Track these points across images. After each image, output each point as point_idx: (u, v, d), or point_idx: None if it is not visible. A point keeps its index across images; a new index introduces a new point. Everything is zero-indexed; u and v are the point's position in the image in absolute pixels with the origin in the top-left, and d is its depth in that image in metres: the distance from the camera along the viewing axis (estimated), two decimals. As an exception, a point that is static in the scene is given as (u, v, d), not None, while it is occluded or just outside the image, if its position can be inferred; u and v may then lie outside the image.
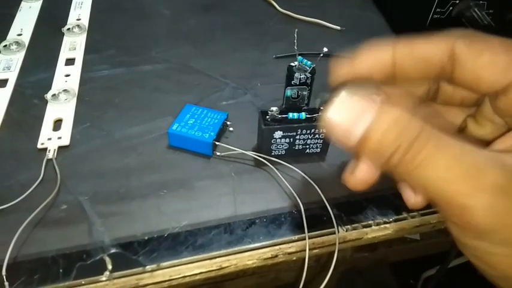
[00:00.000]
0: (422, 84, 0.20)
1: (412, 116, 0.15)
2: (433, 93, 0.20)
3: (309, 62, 0.30)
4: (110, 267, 0.23)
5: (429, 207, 0.28)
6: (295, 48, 0.30)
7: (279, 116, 0.28)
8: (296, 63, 0.30)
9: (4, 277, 0.22)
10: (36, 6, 0.45)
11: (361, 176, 0.17)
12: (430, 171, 0.14)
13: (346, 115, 0.15)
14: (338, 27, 0.44)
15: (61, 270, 0.23)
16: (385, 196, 0.28)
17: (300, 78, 0.30)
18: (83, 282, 0.23)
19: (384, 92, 0.19)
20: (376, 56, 0.18)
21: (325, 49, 0.30)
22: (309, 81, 0.30)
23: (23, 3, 0.45)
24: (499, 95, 0.17)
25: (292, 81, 0.30)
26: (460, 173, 0.14)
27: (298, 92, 0.31)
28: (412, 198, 0.18)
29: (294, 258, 0.26)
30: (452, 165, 0.14)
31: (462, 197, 0.14)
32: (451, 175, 0.14)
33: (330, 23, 0.44)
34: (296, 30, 0.31)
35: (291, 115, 0.28)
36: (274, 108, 0.28)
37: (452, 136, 0.15)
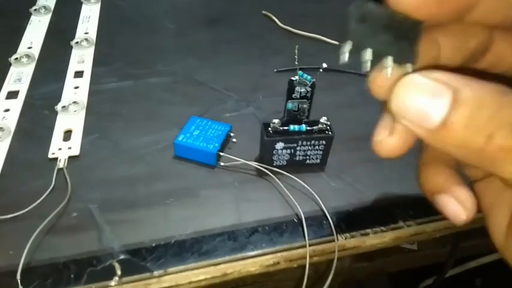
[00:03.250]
0: (481, 31, 0.15)
1: (498, 88, 0.12)
2: (481, 52, 0.16)
3: (309, 77, 0.31)
4: (119, 272, 0.24)
5: (425, 216, 0.29)
6: (296, 63, 0.32)
7: (281, 128, 0.30)
8: (296, 77, 0.32)
9: (19, 281, 0.23)
10: (45, 19, 0.46)
11: (399, 141, 0.14)
12: None
13: (421, 97, 0.12)
14: (337, 43, 0.46)
15: (72, 276, 0.24)
16: (382, 206, 0.29)
17: (300, 92, 0.31)
18: (93, 287, 0.24)
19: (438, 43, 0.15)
20: None
21: (325, 65, 0.31)
22: (309, 95, 0.31)
23: (32, 17, 0.46)
24: None
25: (293, 95, 0.31)
26: None
27: (298, 105, 0.32)
28: (462, 212, 0.16)
29: (295, 266, 0.27)
30: None
31: None
32: None
33: (329, 38, 0.46)
34: (297, 46, 0.32)
35: (292, 127, 0.30)
36: (276, 121, 0.29)
37: None
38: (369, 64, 0.14)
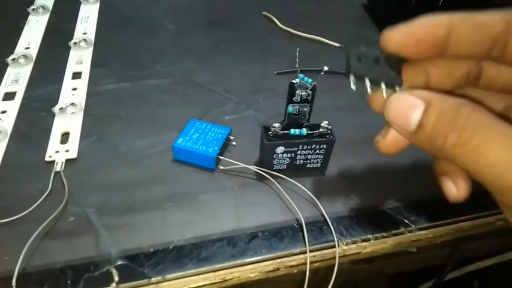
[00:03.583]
0: (467, 61, 0.19)
1: (460, 101, 0.15)
2: (473, 77, 0.20)
3: (309, 80, 0.31)
4: (116, 279, 0.24)
5: (426, 222, 0.29)
6: (297, 66, 0.31)
7: (281, 132, 0.29)
8: (297, 80, 0.31)
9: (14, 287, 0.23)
10: (44, 19, 0.46)
11: (391, 140, 0.19)
12: (484, 156, 0.15)
13: (404, 108, 0.16)
14: (337, 44, 0.45)
15: (69, 282, 0.23)
16: (383, 211, 0.29)
17: (301, 95, 0.31)
18: (90, 294, 0.23)
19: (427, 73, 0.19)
20: (433, 22, 0.17)
21: (326, 68, 0.31)
22: (309, 98, 0.31)
23: (30, 17, 0.46)
24: None
25: (294, 98, 0.31)
26: None
27: (299, 108, 0.32)
28: (455, 191, 0.19)
29: (295, 271, 0.27)
30: (507, 150, 0.14)
31: None
32: (507, 160, 0.14)
33: (329, 40, 0.46)
34: (298, 49, 0.32)
35: (292, 131, 0.29)
36: (276, 125, 0.29)
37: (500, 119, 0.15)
38: (369, 89, 0.19)
